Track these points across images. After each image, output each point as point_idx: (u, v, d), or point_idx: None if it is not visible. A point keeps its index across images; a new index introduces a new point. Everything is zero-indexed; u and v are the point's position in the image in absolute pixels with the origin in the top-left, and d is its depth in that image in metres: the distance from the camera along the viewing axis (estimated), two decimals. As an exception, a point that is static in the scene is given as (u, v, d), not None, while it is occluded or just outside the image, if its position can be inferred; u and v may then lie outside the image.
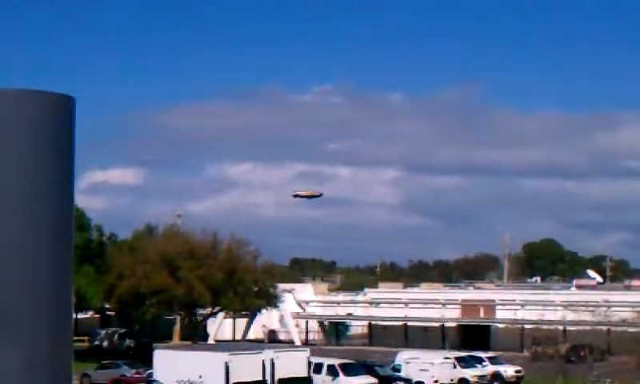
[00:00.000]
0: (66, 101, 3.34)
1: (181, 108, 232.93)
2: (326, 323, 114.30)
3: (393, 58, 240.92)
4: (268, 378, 56.78)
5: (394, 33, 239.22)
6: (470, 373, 71.04)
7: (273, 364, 57.07)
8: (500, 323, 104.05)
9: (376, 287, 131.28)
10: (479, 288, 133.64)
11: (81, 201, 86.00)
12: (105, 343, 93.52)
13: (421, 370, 67.67)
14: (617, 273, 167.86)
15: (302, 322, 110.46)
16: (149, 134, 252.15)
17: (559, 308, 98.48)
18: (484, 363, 73.98)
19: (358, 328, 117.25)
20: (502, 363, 75.88)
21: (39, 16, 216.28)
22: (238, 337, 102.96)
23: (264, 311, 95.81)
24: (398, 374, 67.80)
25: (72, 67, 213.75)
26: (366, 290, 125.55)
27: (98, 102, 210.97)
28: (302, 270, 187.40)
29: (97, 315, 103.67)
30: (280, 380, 56.95)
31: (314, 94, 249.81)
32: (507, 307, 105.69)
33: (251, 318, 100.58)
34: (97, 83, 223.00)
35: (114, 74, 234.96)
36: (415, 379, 66.98)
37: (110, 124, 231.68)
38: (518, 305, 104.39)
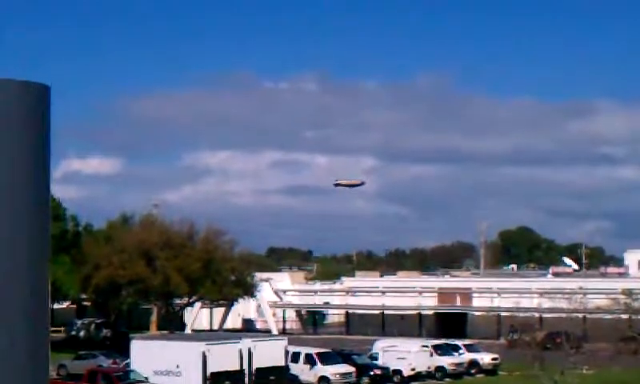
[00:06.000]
0: (40, 89, 3.30)
1: (156, 96, 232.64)
2: (303, 312, 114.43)
3: (368, 46, 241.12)
4: (245, 367, 56.80)
5: (368, 20, 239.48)
6: (446, 361, 71.23)
7: (250, 353, 57.09)
8: (476, 311, 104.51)
9: (353, 276, 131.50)
10: (456, 276, 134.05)
11: (56, 190, 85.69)
12: (81, 333, 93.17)
13: (398, 358, 67.81)
14: (593, 260, 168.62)
15: (279, 311, 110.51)
16: (124, 123, 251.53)
17: (535, 295, 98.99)
18: (461, 351, 74.15)
19: (335, 317, 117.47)
20: (478, 351, 76.08)
21: (13, 4, 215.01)
22: (215, 326, 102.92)
23: (241, 300, 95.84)
24: (375, 362, 67.92)
25: (47, 56, 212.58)
26: (343, 278, 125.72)
27: (74, 90, 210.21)
28: (278, 259, 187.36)
29: (73, 305, 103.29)
30: (257, 369, 56.95)
31: (289, 81, 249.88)
32: (484, 295, 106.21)
33: (228, 307, 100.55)
34: (71, 72, 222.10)
35: (89, 62, 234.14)
36: (392, 367, 67.11)
37: (84, 113, 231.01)
38: (494, 292, 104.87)
